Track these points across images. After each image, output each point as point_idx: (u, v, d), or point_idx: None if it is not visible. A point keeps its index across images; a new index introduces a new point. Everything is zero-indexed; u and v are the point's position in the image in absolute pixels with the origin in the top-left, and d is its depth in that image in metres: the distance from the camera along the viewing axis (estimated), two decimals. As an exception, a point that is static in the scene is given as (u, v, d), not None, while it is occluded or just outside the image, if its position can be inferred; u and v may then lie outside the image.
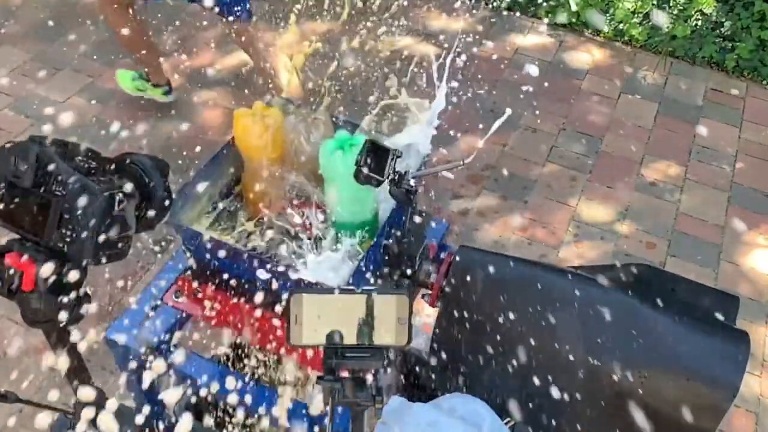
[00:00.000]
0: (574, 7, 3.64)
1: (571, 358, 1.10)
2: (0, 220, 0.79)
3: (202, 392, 1.25)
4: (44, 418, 1.02)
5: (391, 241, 1.26)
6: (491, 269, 1.14)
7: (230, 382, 1.23)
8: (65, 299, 0.79)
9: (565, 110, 3.29)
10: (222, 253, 1.17)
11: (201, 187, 1.26)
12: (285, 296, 0.91)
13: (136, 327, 1.26)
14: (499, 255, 1.17)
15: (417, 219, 1.30)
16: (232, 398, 1.22)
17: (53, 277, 0.77)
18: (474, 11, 3.80)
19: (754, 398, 2.28)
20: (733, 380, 1.02)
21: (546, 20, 3.76)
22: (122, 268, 2.37)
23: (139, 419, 1.06)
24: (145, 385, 1.17)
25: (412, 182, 1.13)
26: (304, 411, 1.21)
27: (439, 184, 2.78)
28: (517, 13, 3.77)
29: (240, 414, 1.25)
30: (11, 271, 0.76)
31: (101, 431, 0.99)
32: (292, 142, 1.29)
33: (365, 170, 1.09)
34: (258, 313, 1.24)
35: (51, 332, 0.86)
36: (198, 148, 2.92)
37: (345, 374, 0.83)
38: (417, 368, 1.30)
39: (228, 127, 3.14)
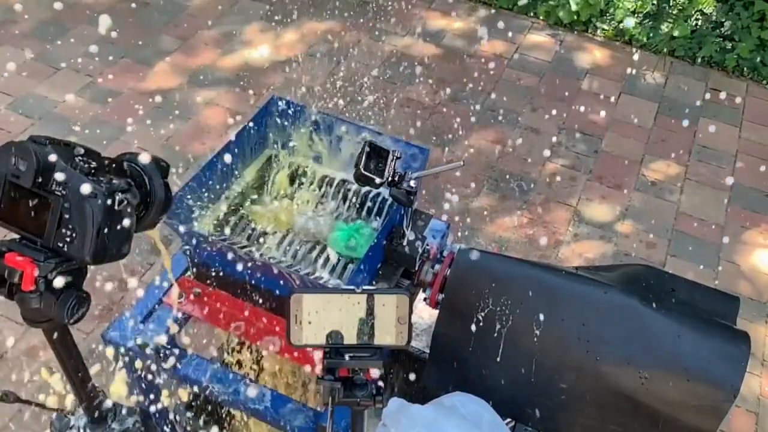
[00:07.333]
0: (574, 7, 3.64)
1: (572, 358, 1.10)
2: (0, 220, 0.79)
3: (202, 392, 1.25)
4: (44, 418, 1.01)
5: (391, 241, 1.26)
6: (491, 270, 1.14)
7: (229, 382, 1.23)
8: (65, 299, 0.79)
9: (565, 110, 3.28)
10: (221, 254, 1.16)
11: (201, 188, 1.26)
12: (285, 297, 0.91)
13: (135, 327, 1.26)
14: (499, 255, 1.17)
15: (417, 219, 1.30)
16: (231, 398, 1.21)
17: (53, 277, 0.77)
18: (474, 11, 3.80)
19: (754, 398, 2.27)
20: (733, 380, 1.03)
21: (546, 20, 3.76)
22: (122, 268, 2.36)
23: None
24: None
25: (412, 183, 1.13)
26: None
27: (439, 184, 2.78)
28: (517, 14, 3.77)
29: (238, 413, 1.24)
30: (11, 271, 0.76)
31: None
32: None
33: (365, 171, 1.09)
34: (258, 313, 1.24)
35: (51, 332, 0.86)
36: (198, 148, 2.93)
37: (345, 374, 0.83)
38: (417, 368, 1.30)
39: (228, 127, 3.14)
